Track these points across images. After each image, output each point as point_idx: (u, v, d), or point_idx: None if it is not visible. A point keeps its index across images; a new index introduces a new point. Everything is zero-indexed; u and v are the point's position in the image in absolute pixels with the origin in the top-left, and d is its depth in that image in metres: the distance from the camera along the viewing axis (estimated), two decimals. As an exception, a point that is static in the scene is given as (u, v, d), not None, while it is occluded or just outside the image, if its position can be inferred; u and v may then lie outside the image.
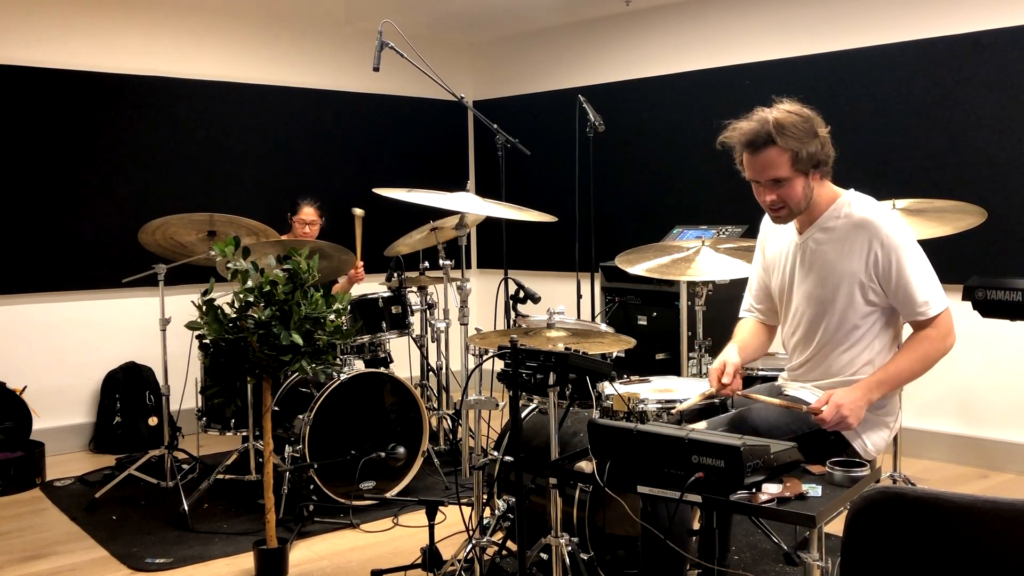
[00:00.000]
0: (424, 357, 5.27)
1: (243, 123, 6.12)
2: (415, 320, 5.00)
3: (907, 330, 2.67)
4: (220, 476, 4.32)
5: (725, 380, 2.68)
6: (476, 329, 3.61)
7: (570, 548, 2.94)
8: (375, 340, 4.73)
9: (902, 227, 2.60)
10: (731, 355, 2.76)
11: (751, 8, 5.68)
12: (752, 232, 4.77)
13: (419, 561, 3.41)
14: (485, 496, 3.41)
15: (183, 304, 4.14)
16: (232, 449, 4.51)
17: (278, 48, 6.32)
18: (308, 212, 5.16)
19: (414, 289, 5.08)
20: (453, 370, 5.32)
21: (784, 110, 2.57)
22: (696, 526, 2.61)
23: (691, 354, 4.44)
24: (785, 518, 2.05)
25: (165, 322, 4.47)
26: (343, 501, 4.14)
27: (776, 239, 2.85)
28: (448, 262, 4.77)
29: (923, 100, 4.94)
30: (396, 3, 6.14)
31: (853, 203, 2.65)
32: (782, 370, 2.93)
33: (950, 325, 2.57)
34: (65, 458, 5.34)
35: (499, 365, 2.63)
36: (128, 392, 5.59)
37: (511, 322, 3.74)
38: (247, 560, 3.69)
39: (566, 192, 5.35)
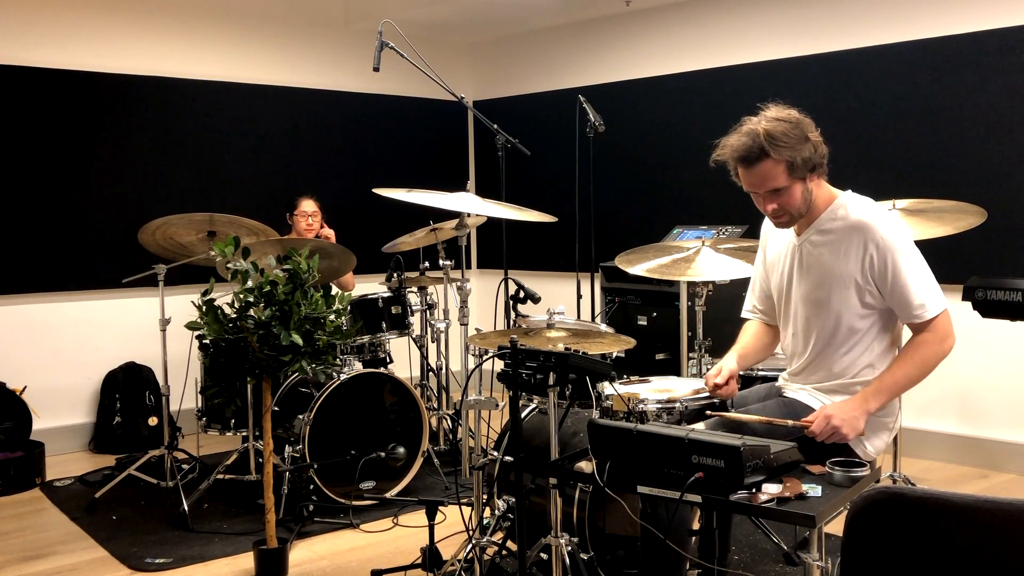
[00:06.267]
0: (424, 357, 5.27)
1: (243, 123, 6.11)
2: (415, 320, 5.00)
3: (907, 332, 2.67)
4: (220, 476, 4.32)
5: (719, 381, 2.75)
6: (476, 329, 3.61)
7: (570, 548, 2.94)
8: (375, 340, 4.73)
9: (898, 228, 2.59)
10: (728, 361, 2.82)
11: (751, 8, 5.68)
12: (752, 232, 4.77)
13: (419, 561, 3.41)
14: (485, 496, 3.41)
15: (183, 304, 4.14)
16: (232, 449, 4.51)
17: (278, 48, 6.32)
18: (309, 203, 5.18)
19: (414, 289, 5.08)
20: (453, 370, 5.32)
21: (772, 118, 2.54)
22: (696, 526, 2.61)
23: (691, 354, 4.44)
24: (785, 518, 2.05)
25: (165, 322, 4.46)
26: (343, 501, 4.14)
27: (776, 240, 2.85)
28: (448, 262, 4.76)
29: (923, 100, 4.94)
30: (396, 3, 6.14)
31: (849, 205, 2.64)
32: (782, 370, 2.93)
33: (948, 328, 2.55)
34: (65, 458, 5.34)
35: (499, 365, 2.63)
36: (128, 392, 5.59)
37: (511, 322, 3.74)
38: (247, 560, 3.69)
39: (566, 192, 5.35)
